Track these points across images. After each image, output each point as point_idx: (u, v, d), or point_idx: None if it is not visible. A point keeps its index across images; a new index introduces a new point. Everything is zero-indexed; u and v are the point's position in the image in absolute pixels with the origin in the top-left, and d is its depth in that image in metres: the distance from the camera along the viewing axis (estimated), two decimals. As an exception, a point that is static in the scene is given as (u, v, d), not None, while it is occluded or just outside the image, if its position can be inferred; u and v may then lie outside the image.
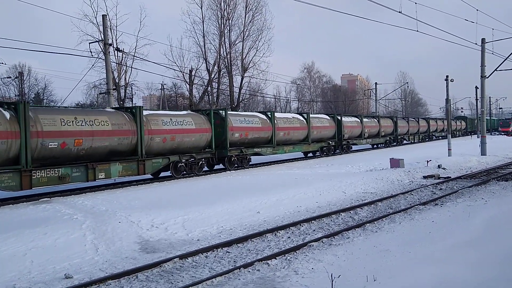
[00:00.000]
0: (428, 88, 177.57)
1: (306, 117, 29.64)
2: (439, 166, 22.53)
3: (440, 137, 59.44)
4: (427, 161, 23.20)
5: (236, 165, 23.00)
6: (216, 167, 22.98)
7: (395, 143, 44.35)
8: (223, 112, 22.57)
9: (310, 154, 31.63)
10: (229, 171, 22.15)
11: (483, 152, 28.98)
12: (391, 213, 12.16)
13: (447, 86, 29.58)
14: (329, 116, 33.41)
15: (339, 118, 33.75)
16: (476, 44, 29.66)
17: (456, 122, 66.67)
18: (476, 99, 61.77)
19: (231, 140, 22.64)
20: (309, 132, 29.07)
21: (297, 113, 32.77)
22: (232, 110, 32.40)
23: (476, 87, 61.72)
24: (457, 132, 66.61)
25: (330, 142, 32.13)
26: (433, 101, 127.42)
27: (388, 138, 43.02)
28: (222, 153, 22.17)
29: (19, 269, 7.97)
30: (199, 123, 20.76)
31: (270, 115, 26.08)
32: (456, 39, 27.27)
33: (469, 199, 13.88)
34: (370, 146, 41.50)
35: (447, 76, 29.61)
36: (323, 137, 31.38)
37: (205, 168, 21.94)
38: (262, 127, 24.93)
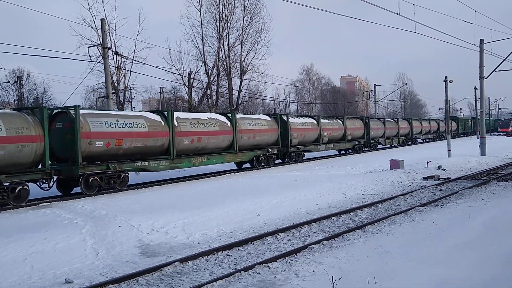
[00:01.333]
0: (427, 89, 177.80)
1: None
2: (439, 167, 22.53)
3: (427, 140, 55.01)
4: (427, 162, 23.19)
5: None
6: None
7: (366, 148, 38.53)
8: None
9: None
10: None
11: (482, 153, 28.98)
12: (391, 215, 12.15)
13: (446, 87, 29.63)
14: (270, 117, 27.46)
15: (285, 118, 27.74)
16: (474, 45, 29.72)
17: (445, 123, 63.27)
18: (475, 100, 61.87)
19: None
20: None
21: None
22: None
23: (475, 88, 61.83)
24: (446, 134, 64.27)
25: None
26: (433, 102, 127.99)
27: (357, 143, 36.97)
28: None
29: (20, 274, 7.95)
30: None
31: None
32: (454, 40, 27.34)
33: (469, 200, 13.87)
34: (336, 152, 36.34)
35: (446, 77, 29.67)
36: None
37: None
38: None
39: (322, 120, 31.52)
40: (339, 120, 34.87)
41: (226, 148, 22.78)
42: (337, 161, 28.95)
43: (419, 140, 53.09)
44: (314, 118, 31.16)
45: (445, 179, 19.45)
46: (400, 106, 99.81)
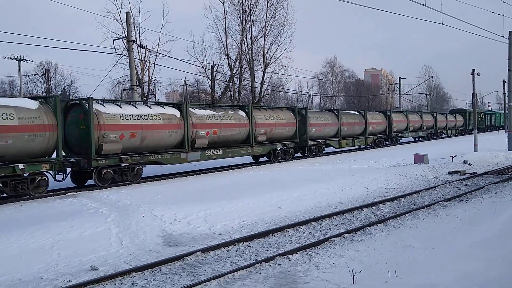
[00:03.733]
0: (454, 83, 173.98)
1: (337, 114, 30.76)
2: (464, 162, 22.14)
3: (418, 139, 44.87)
4: (452, 157, 22.82)
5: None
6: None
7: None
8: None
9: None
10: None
11: (510, 148, 28.30)
12: (414, 209, 12.02)
13: (473, 80, 29.01)
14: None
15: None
16: (503, 36, 28.92)
17: (447, 117, 51.75)
18: (504, 93, 60.36)
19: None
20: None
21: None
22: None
23: (504, 81, 60.36)
24: (450, 131, 52.68)
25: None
26: (459, 96, 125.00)
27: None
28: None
29: (47, 261, 8.20)
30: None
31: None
32: (482, 32, 26.59)
33: (495, 195, 13.61)
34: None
35: (473, 70, 29.02)
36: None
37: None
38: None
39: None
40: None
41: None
42: (360, 155, 28.71)
43: (443, 135, 51.08)
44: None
45: (470, 174, 19.10)
46: (426, 99, 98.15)
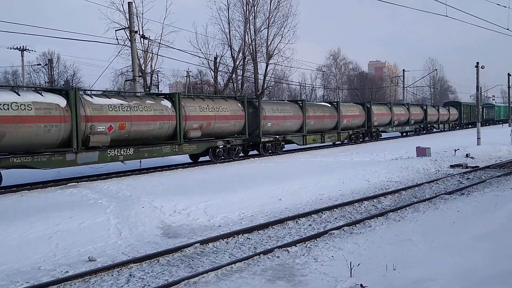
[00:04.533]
0: (458, 76, 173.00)
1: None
2: (467, 155, 22.02)
3: (406, 133, 41.46)
4: (455, 150, 22.71)
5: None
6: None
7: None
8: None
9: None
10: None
11: (514, 141, 28.14)
12: (415, 202, 11.97)
13: (477, 73, 28.77)
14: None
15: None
16: (508, 29, 28.65)
17: (439, 110, 47.69)
18: (508, 87, 60.04)
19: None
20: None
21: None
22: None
23: (509, 74, 60.00)
24: (443, 125, 49.11)
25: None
26: (464, 89, 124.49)
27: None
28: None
29: (45, 252, 8.20)
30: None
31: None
32: (487, 25, 26.29)
33: (497, 189, 13.54)
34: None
35: (477, 63, 28.77)
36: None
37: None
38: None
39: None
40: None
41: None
42: (362, 147, 28.59)
43: (434, 129, 47.49)
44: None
45: (473, 167, 19.01)
46: (430, 92, 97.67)
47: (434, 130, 47.40)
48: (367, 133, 33.71)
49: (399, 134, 41.32)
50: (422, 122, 42.97)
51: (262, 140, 23.03)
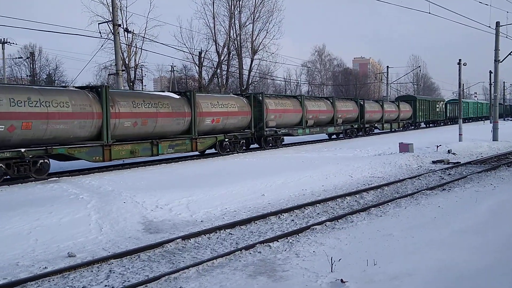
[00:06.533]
0: (441, 73, 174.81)
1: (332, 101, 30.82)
2: (449, 151, 22.29)
3: (331, 136, 33.49)
4: (437, 146, 22.97)
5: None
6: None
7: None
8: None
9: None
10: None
11: (494, 138, 28.58)
12: (397, 198, 12.06)
13: (459, 70, 29.10)
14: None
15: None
16: (490, 27, 29.05)
17: (383, 106, 38.17)
18: (490, 84, 60.89)
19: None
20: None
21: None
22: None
23: (490, 72, 60.86)
24: (389, 124, 39.95)
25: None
26: (447, 86, 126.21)
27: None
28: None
29: (23, 248, 8.05)
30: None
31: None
32: (470, 22, 26.64)
33: (477, 185, 13.72)
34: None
35: (459, 60, 29.10)
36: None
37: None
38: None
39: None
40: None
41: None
42: (346, 143, 28.76)
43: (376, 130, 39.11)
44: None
45: (454, 163, 19.24)
46: (413, 89, 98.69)
47: (376, 130, 38.97)
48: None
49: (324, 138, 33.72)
50: (356, 121, 34.28)
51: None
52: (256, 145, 25.02)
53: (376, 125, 38.10)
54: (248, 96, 24.54)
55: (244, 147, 23.71)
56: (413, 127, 45.30)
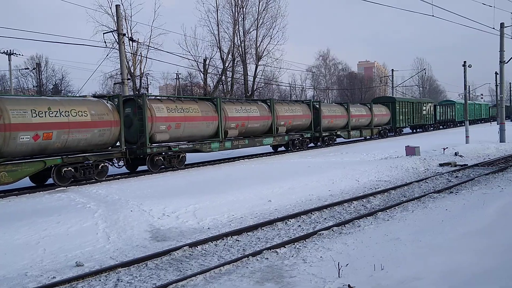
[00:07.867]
0: (447, 75, 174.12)
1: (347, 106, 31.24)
2: (456, 154, 22.19)
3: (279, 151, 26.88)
4: (444, 149, 22.88)
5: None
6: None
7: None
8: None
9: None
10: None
11: (502, 139, 28.43)
12: (404, 201, 12.02)
13: (464, 72, 28.99)
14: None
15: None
16: (494, 28, 28.96)
17: (348, 110, 31.82)
18: (496, 85, 60.56)
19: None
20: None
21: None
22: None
23: (496, 73, 60.56)
24: (358, 132, 33.42)
25: None
26: (452, 88, 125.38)
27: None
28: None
29: (32, 257, 8.11)
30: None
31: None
32: (474, 24, 26.59)
33: (485, 187, 13.64)
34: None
35: (464, 62, 29.01)
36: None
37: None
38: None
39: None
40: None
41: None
42: (352, 147, 28.69)
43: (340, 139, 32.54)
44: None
45: (461, 165, 19.14)
46: (419, 91, 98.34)
47: (339, 140, 32.34)
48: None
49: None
50: (309, 129, 28.01)
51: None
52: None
53: (339, 133, 31.08)
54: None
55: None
56: (392, 134, 38.51)
